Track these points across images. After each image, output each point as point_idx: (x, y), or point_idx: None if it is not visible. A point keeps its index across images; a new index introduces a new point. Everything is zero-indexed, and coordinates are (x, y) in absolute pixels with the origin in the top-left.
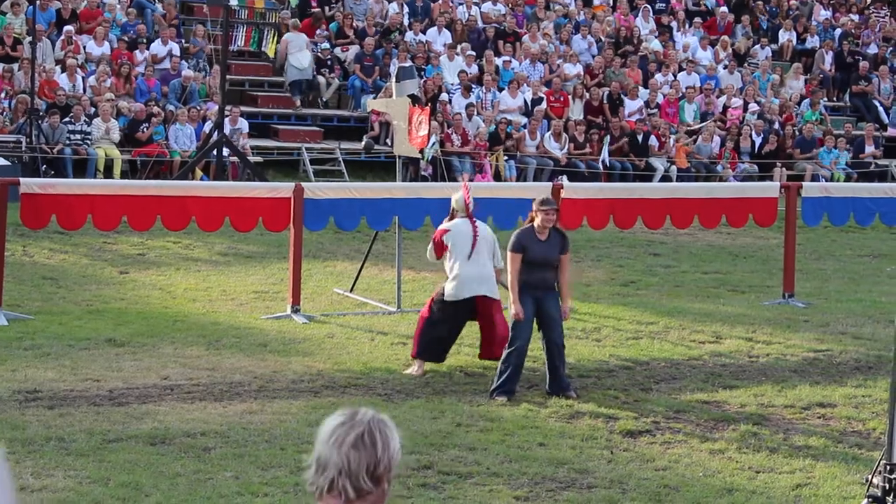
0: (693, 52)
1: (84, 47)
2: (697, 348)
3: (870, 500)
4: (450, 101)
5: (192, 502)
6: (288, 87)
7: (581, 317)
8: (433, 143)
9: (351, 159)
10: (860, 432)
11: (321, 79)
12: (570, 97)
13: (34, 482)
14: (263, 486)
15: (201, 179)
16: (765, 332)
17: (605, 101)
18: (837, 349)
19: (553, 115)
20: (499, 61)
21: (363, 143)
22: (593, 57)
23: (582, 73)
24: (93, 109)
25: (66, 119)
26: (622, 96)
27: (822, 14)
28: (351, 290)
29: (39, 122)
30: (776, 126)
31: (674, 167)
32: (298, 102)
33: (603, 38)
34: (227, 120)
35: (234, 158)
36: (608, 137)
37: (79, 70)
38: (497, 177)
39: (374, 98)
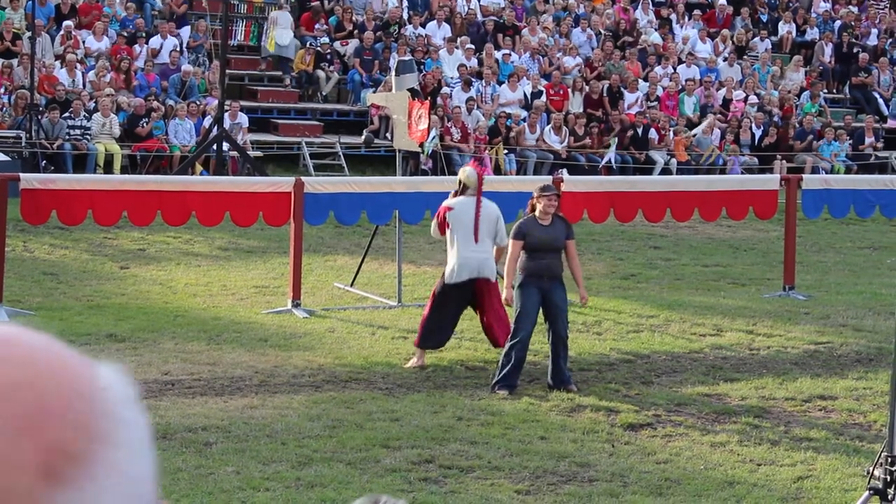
0: (693, 44)
1: (83, 42)
2: (698, 341)
3: (871, 492)
4: (450, 94)
5: (193, 497)
6: (263, 58)
7: (582, 310)
8: (433, 137)
9: (351, 153)
10: (861, 424)
11: (321, 73)
12: (569, 90)
13: None
14: (265, 480)
15: (201, 174)
16: (765, 325)
17: (604, 95)
18: (838, 341)
19: (553, 109)
20: (498, 55)
21: (363, 137)
22: (593, 50)
23: (581, 66)
24: (92, 104)
25: (66, 114)
26: (622, 89)
27: (821, 6)
28: (351, 285)
29: (39, 117)
30: (776, 118)
31: (674, 160)
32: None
33: (602, 31)
34: (226, 114)
35: (234, 153)
36: (616, 140)
37: (78, 65)
38: (497, 170)
39: (374, 92)
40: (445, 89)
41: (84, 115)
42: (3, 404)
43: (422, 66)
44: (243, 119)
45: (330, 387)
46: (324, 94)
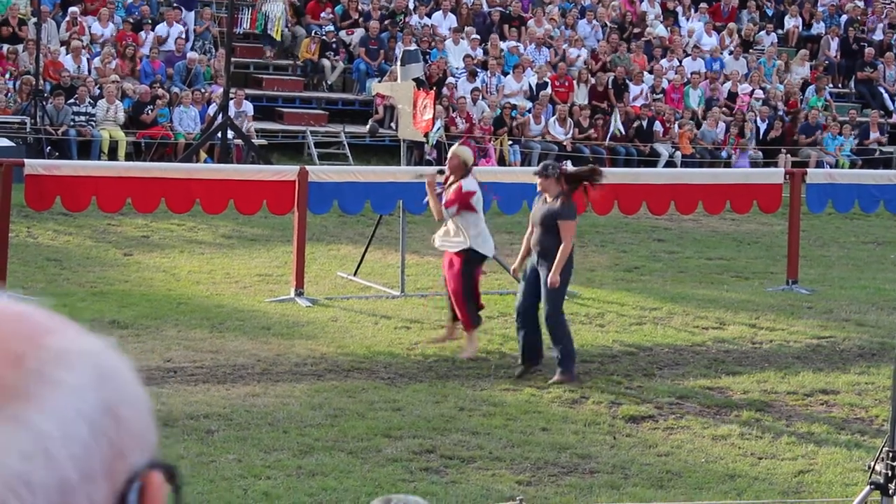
0: (698, 37)
1: (89, 28)
2: (701, 334)
3: (872, 486)
4: (455, 85)
5: (195, 485)
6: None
7: (584, 302)
8: (438, 128)
9: (355, 143)
10: (863, 419)
11: (326, 62)
12: (574, 82)
13: None
14: (266, 468)
15: (205, 162)
16: (768, 319)
17: (609, 87)
18: (841, 336)
19: (558, 100)
20: (504, 45)
21: (368, 126)
22: (598, 42)
23: (587, 57)
24: (97, 91)
25: (71, 101)
26: (627, 81)
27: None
28: (355, 274)
29: (44, 103)
30: (781, 112)
31: (678, 153)
32: (269, 54)
33: (608, 23)
34: (231, 102)
35: (239, 141)
36: (617, 112)
37: (84, 51)
38: (501, 161)
39: (379, 82)
40: (451, 79)
41: (89, 102)
42: None
43: (427, 56)
44: (248, 107)
45: (332, 376)
46: (329, 83)
